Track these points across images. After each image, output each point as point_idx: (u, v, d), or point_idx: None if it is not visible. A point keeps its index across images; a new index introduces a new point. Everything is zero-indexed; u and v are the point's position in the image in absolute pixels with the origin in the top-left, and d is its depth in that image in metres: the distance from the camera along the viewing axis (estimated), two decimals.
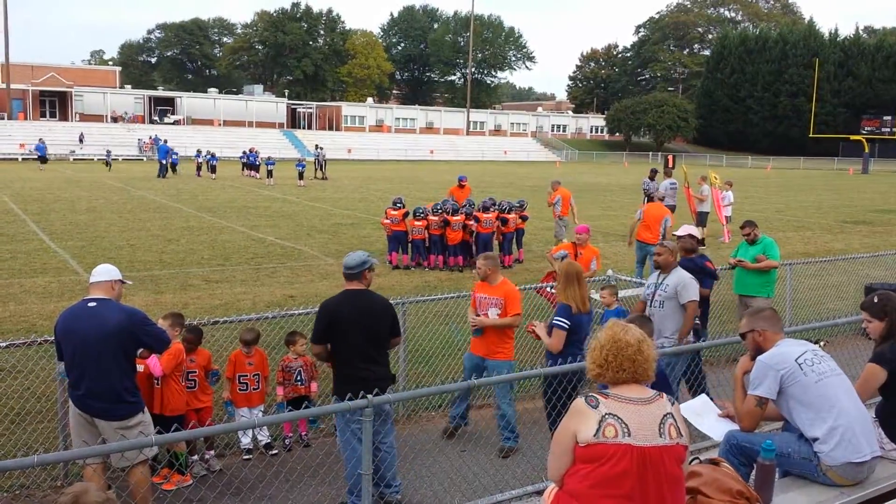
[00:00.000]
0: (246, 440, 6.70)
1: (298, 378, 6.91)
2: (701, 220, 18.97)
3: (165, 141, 46.31)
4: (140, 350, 5.32)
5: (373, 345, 5.45)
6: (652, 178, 20.43)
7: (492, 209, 15.40)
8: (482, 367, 6.66)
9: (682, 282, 7.05)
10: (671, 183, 19.47)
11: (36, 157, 46.92)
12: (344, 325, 5.39)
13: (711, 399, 4.99)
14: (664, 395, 3.26)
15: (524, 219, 16.24)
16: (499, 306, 6.61)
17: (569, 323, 6.07)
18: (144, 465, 5.18)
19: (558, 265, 6.50)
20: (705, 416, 4.72)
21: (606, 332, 3.32)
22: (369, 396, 4.42)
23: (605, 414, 3.11)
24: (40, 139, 50.43)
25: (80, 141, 59.56)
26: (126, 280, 5.45)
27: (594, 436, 3.08)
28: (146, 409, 5.33)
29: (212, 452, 6.38)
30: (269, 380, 7.00)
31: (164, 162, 39.99)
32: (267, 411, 6.86)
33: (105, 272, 5.21)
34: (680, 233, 8.64)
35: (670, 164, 24.07)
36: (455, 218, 15.01)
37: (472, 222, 15.17)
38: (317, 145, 47.12)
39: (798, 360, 4.26)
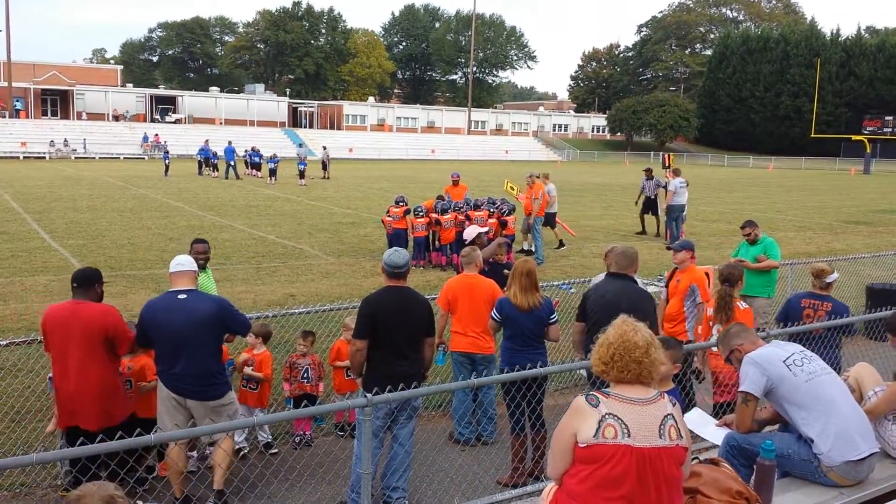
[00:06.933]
0: (239, 439, 6.45)
1: (305, 376, 6.93)
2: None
3: (230, 142, 42.33)
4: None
5: (408, 342, 5.48)
6: (649, 178, 20.48)
7: (484, 207, 15.28)
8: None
9: None
10: (680, 181, 19.38)
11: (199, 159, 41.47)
12: (386, 320, 5.39)
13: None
14: (665, 395, 3.25)
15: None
16: None
17: (499, 316, 6.15)
18: (230, 440, 5.59)
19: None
20: (705, 425, 4.74)
21: (615, 330, 3.25)
22: (368, 395, 4.41)
23: (606, 414, 3.09)
24: (206, 141, 44.00)
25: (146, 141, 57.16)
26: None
27: (594, 436, 3.07)
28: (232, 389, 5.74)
29: (211, 449, 6.33)
30: (274, 379, 6.99)
31: (231, 163, 39.12)
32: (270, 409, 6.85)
33: (188, 263, 5.56)
34: (465, 235, 8.01)
35: (667, 163, 23.82)
36: (446, 217, 14.99)
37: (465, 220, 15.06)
38: (324, 147, 47.17)
39: (786, 361, 4.26)
